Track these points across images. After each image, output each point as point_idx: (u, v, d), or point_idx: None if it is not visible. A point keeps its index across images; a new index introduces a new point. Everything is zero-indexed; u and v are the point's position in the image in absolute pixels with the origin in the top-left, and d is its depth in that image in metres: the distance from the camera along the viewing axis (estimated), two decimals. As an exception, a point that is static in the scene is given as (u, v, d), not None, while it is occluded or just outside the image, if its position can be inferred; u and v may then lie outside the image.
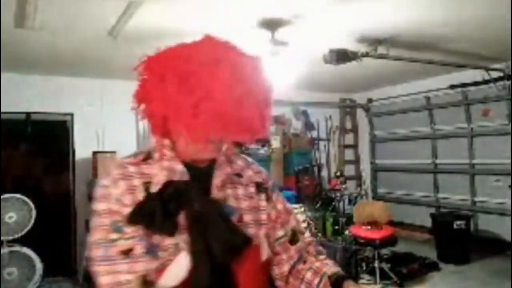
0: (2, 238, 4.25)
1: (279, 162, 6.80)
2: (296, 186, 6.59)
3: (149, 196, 0.97)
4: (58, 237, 5.33)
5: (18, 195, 4.42)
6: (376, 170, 7.71)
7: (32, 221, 4.41)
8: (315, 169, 7.05)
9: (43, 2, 3.05)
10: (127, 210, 0.95)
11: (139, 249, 0.94)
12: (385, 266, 4.74)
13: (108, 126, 5.72)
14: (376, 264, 4.60)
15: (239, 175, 1.11)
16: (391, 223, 5.28)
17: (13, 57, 4.54)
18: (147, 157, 1.04)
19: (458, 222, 5.33)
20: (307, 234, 1.24)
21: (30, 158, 5.43)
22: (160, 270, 0.94)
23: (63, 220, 5.48)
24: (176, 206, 0.96)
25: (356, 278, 4.57)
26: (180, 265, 0.94)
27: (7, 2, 3.05)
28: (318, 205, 6.30)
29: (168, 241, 0.95)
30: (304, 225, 4.76)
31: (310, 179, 6.78)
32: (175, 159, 1.02)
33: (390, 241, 4.77)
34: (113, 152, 5.47)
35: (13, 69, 5.15)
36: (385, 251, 5.06)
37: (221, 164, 1.07)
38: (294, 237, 1.17)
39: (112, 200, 0.97)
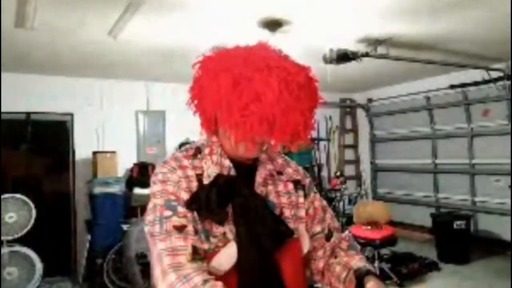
0: (2, 238, 4.25)
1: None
2: (296, 186, 6.59)
3: (204, 186, 1.05)
4: (58, 237, 5.33)
5: (18, 195, 4.42)
6: (376, 170, 7.71)
7: (32, 221, 4.41)
8: (315, 169, 7.04)
9: (43, 2, 3.06)
10: (184, 194, 1.04)
11: (191, 227, 1.01)
12: (385, 266, 4.74)
13: (108, 126, 5.72)
14: (376, 264, 4.60)
15: (279, 173, 1.19)
16: (391, 223, 5.28)
17: (13, 57, 4.54)
18: (196, 152, 1.12)
19: (458, 222, 5.33)
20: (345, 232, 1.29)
21: (30, 158, 5.42)
22: (212, 254, 1.01)
23: (63, 220, 5.48)
24: (227, 197, 1.05)
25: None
26: (230, 252, 1.02)
27: (7, 2, 3.06)
28: (318, 205, 6.29)
29: (217, 229, 1.03)
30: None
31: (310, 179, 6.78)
32: (223, 155, 1.10)
33: (390, 241, 4.77)
34: (113, 152, 5.48)
35: (13, 69, 5.14)
36: (385, 251, 5.06)
37: (263, 162, 1.16)
38: (329, 235, 1.23)
39: (169, 183, 1.05)
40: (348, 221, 5.82)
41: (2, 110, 5.09)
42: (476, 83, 5.74)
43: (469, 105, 6.05)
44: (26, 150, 5.41)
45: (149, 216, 1.05)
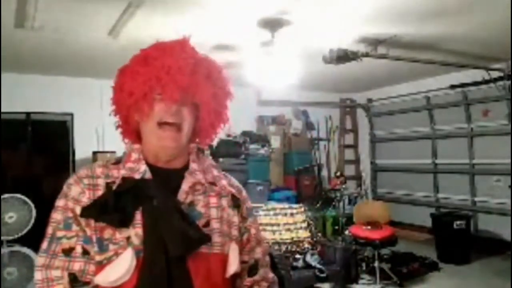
0: (2, 238, 4.25)
1: (279, 162, 6.80)
2: (296, 186, 6.59)
3: (106, 192, 1.00)
4: (58, 237, 5.33)
5: (18, 195, 4.42)
6: (376, 170, 7.71)
7: (32, 221, 4.40)
8: (315, 169, 7.04)
9: (43, 2, 3.06)
10: (80, 208, 0.98)
11: (79, 249, 0.97)
12: (385, 266, 4.74)
13: (108, 126, 5.69)
14: (376, 264, 4.60)
15: (212, 184, 1.10)
16: (391, 223, 5.28)
17: (13, 57, 4.54)
18: (117, 161, 1.09)
19: (458, 222, 5.33)
20: (264, 272, 1.19)
21: (30, 158, 5.42)
22: (103, 265, 0.95)
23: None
24: (132, 201, 0.98)
25: (356, 278, 4.58)
26: (121, 262, 0.94)
27: (7, 2, 3.06)
28: (318, 205, 6.30)
29: (120, 235, 0.96)
30: (304, 225, 4.76)
31: (310, 179, 6.78)
32: (140, 161, 1.05)
33: (390, 241, 4.77)
34: (113, 152, 5.47)
35: (13, 69, 5.15)
36: (385, 251, 5.06)
37: (193, 171, 1.07)
38: (253, 269, 1.15)
39: (70, 197, 1.01)
40: (348, 221, 5.82)
41: (2, 110, 5.09)
42: (476, 83, 5.74)
43: (469, 105, 6.05)
44: (26, 150, 5.41)
45: (46, 230, 1.02)
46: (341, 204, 6.18)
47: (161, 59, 1.04)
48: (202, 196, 1.06)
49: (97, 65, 4.98)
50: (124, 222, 0.96)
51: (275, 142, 6.82)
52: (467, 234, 5.40)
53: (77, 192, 1.01)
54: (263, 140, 6.51)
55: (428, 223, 5.98)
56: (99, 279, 0.95)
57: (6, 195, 4.34)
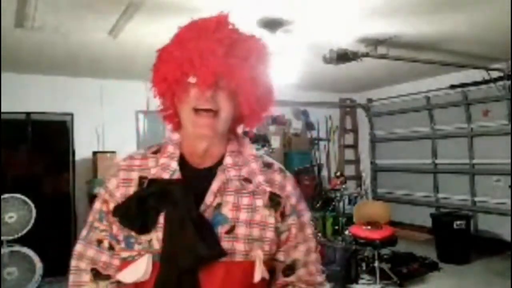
0: (2, 238, 4.25)
1: (279, 162, 6.78)
2: (296, 186, 6.58)
3: (136, 192, 0.99)
4: (58, 237, 5.32)
5: (18, 195, 4.42)
6: (376, 170, 7.71)
7: (32, 221, 4.41)
8: (315, 169, 7.04)
9: (43, 2, 3.06)
10: (113, 204, 0.99)
11: (106, 243, 1.01)
12: (385, 266, 4.74)
13: (108, 126, 5.72)
14: (376, 264, 4.60)
15: (247, 180, 1.01)
16: (391, 223, 5.28)
17: (13, 57, 4.54)
18: (157, 150, 1.05)
19: (458, 222, 5.33)
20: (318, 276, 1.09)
21: (30, 158, 5.42)
22: (125, 263, 0.97)
23: (63, 220, 5.47)
24: (156, 204, 0.95)
25: (356, 278, 4.58)
26: (138, 265, 0.95)
27: (7, 2, 3.06)
28: (318, 205, 6.30)
29: (144, 237, 0.95)
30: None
31: (310, 179, 6.78)
32: (173, 156, 1.01)
33: (390, 241, 4.77)
34: (113, 152, 5.48)
35: (13, 69, 5.15)
36: (385, 251, 5.06)
37: (226, 167, 1.00)
38: (289, 269, 1.06)
39: (108, 189, 1.02)
40: (348, 221, 5.82)
41: (2, 110, 5.09)
42: (476, 83, 5.74)
43: (469, 105, 6.05)
44: (26, 150, 5.41)
45: (89, 217, 1.06)
46: (341, 204, 6.18)
47: (195, 40, 0.97)
48: (233, 195, 0.98)
49: (97, 65, 4.98)
50: (146, 227, 0.95)
51: (275, 142, 6.82)
52: (467, 234, 5.40)
53: (113, 186, 1.02)
54: (263, 140, 6.50)
55: (428, 223, 5.98)
56: (120, 276, 0.97)
57: (6, 195, 4.34)
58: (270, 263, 1.03)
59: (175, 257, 0.92)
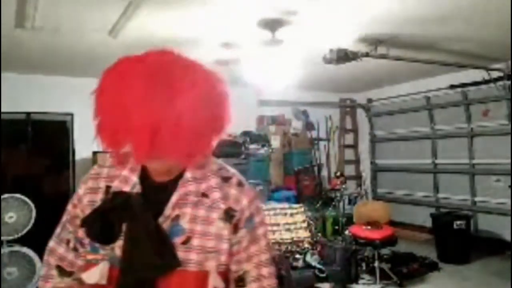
0: (2, 238, 4.25)
1: (279, 162, 6.80)
2: (296, 186, 6.59)
3: (99, 205, 1.04)
4: (58, 237, 5.33)
5: (18, 195, 4.42)
6: (376, 170, 7.71)
7: (32, 221, 4.40)
8: (315, 169, 7.05)
9: (43, 2, 3.05)
10: (87, 208, 1.06)
11: (71, 244, 1.10)
12: (385, 266, 4.74)
13: (108, 126, 5.71)
14: (376, 264, 4.60)
15: (205, 195, 1.04)
16: (391, 223, 5.28)
17: (13, 57, 4.54)
18: (124, 159, 1.08)
19: (458, 222, 5.33)
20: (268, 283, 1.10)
21: (30, 158, 5.42)
22: (90, 265, 1.04)
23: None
24: (118, 217, 1.00)
25: (356, 278, 4.58)
26: (98, 270, 1.02)
27: (7, 2, 3.06)
28: (318, 205, 6.30)
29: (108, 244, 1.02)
30: (304, 225, 4.76)
31: (310, 179, 6.78)
32: (134, 169, 1.06)
33: (390, 241, 4.77)
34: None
35: (13, 69, 5.15)
36: (385, 251, 5.06)
37: (187, 181, 1.03)
38: (240, 280, 1.08)
39: (77, 195, 1.11)
40: (348, 221, 5.82)
41: (2, 110, 5.08)
42: (476, 83, 5.74)
43: (469, 105, 6.05)
44: (26, 150, 5.41)
45: (64, 216, 1.15)
46: (341, 204, 6.19)
47: (121, 110, 0.91)
48: (191, 208, 1.02)
49: (97, 65, 4.95)
50: (110, 238, 1.01)
51: (275, 142, 6.81)
52: (467, 234, 5.40)
53: (82, 192, 1.10)
54: (263, 140, 6.50)
55: (428, 223, 5.99)
56: (83, 276, 1.04)
57: (6, 195, 4.34)
58: (227, 274, 1.07)
59: (133, 267, 0.98)
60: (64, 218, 1.13)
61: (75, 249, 1.10)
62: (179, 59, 0.97)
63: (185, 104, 0.89)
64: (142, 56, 0.98)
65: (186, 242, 1.00)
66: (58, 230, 1.14)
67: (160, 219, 1.00)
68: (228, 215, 1.05)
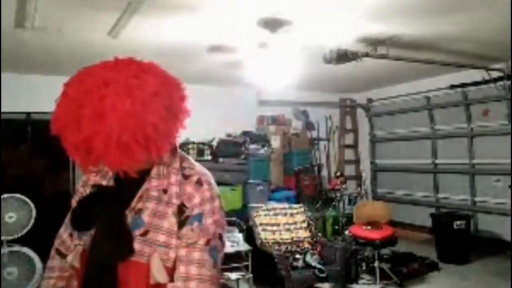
0: (2, 238, 4.24)
1: (279, 162, 6.80)
2: (296, 186, 6.59)
3: (81, 197, 1.22)
4: (58, 237, 5.33)
5: (18, 195, 4.41)
6: (376, 170, 7.70)
7: (32, 221, 4.40)
8: (315, 169, 7.04)
9: (43, 2, 3.06)
10: (75, 200, 1.24)
11: (69, 230, 1.23)
12: (385, 266, 4.74)
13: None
14: (376, 264, 4.60)
15: (165, 191, 1.11)
16: (391, 223, 5.28)
17: (13, 57, 4.54)
18: None
19: (458, 222, 5.33)
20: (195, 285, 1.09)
21: (30, 158, 5.42)
22: (75, 248, 1.17)
23: (63, 220, 5.47)
24: (95, 207, 1.13)
25: (356, 278, 4.58)
26: (73, 254, 1.17)
27: (7, 2, 3.06)
28: (318, 205, 6.30)
29: (88, 232, 1.14)
30: (304, 225, 4.76)
31: (310, 179, 6.78)
32: None
33: (390, 241, 4.77)
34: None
35: (13, 69, 5.15)
36: (385, 251, 5.06)
37: (152, 177, 1.12)
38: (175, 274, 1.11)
39: (76, 188, 1.29)
40: (348, 221, 5.82)
41: (2, 110, 5.08)
42: (476, 83, 5.74)
43: (469, 105, 6.05)
44: (26, 150, 5.41)
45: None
46: (341, 204, 6.18)
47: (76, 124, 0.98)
48: (153, 203, 1.10)
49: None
50: (84, 225, 1.14)
51: (275, 142, 6.81)
52: (467, 234, 5.40)
53: (79, 186, 1.28)
54: (263, 140, 6.50)
55: (428, 223, 5.98)
56: (68, 258, 1.19)
57: (6, 195, 4.34)
58: (174, 270, 1.10)
59: (95, 253, 1.09)
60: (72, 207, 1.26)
61: (71, 235, 1.22)
62: (118, 75, 1.02)
63: (113, 120, 0.95)
64: (91, 69, 1.09)
65: (143, 234, 1.08)
66: (67, 218, 1.26)
67: (127, 211, 1.10)
68: (180, 210, 1.10)
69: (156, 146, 1.02)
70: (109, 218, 1.10)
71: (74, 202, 1.23)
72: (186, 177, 1.14)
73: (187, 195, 1.11)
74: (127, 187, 1.11)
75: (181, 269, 1.08)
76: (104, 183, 1.18)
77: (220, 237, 1.15)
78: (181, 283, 1.06)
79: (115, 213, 1.10)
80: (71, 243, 1.20)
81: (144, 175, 1.12)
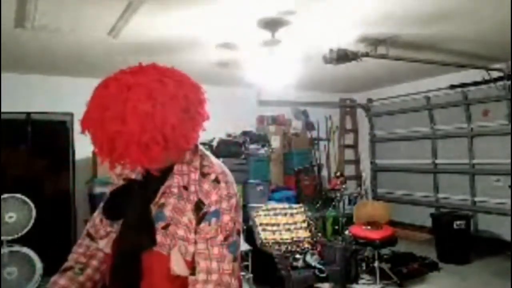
0: (2, 238, 4.24)
1: (279, 162, 6.80)
2: (296, 186, 6.59)
3: (112, 190, 1.31)
4: (58, 237, 5.33)
5: (18, 195, 4.41)
6: (376, 170, 7.71)
7: (32, 221, 4.40)
8: (315, 169, 7.04)
9: (43, 2, 3.06)
10: (110, 189, 1.32)
11: (99, 217, 1.31)
12: (385, 266, 4.74)
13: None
14: (376, 264, 4.61)
15: (185, 188, 1.18)
16: (391, 223, 5.28)
17: (13, 57, 4.54)
18: None
19: (458, 222, 5.33)
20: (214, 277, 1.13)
21: (30, 158, 5.42)
22: (106, 235, 1.25)
23: (63, 220, 5.48)
24: (125, 199, 1.23)
25: (356, 278, 4.58)
26: (106, 240, 1.25)
27: (7, 2, 3.06)
28: (318, 205, 6.30)
29: (118, 221, 1.23)
30: (304, 225, 4.76)
31: (310, 179, 6.78)
32: None
33: (390, 241, 4.77)
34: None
35: (13, 69, 5.15)
36: (385, 251, 5.06)
37: (174, 174, 1.19)
38: (194, 269, 1.15)
39: (113, 178, 1.34)
40: (348, 221, 5.82)
41: (2, 110, 5.09)
42: (476, 83, 5.74)
43: (469, 105, 6.05)
44: (26, 150, 5.41)
45: None
46: (341, 204, 6.18)
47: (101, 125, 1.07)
48: (174, 198, 1.17)
49: (97, 65, 4.97)
50: (118, 215, 1.23)
51: (275, 142, 6.81)
52: (467, 234, 5.40)
53: (113, 177, 1.32)
54: (263, 140, 6.50)
55: (428, 223, 5.99)
56: (99, 243, 1.27)
57: (6, 195, 4.33)
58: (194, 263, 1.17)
59: (122, 242, 1.20)
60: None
61: (101, 220, 1.28)
62: (140, 80, 1.08)
63: (134, 122, 1.01)
64: (117, 75, 1.13)
65: (165, 227, 1.15)
66: (101, 203, 1.34)
67: (152, 205, 1.17)
68: (198, 207, 1.16)
69: (175, 146, 1.08)
70: (135, 211, 1.19)
71: (108, 191, 1.33)
72: (204, 175, 1.19)
73: (205, 192, 1.17)
74: (153, 182, 1.19)
75: (202, 263, 1.13)
76: (133, 176, 1.26)
77: (238, 233, 1.20)
78: (202, 276, 1.12)
79: (141, 206, 1.18)
80: (101, 227, 1.28)
81: (168, 171, 1.19)
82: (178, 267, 1.13)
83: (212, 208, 1.15)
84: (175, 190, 1.17)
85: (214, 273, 1.12)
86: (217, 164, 1.24)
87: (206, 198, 1.16)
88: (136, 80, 1.06)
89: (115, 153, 1.04)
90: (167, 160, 1.16)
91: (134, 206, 1.20)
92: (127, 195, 1.23)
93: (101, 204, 1.32)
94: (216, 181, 1.18)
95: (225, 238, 1.15)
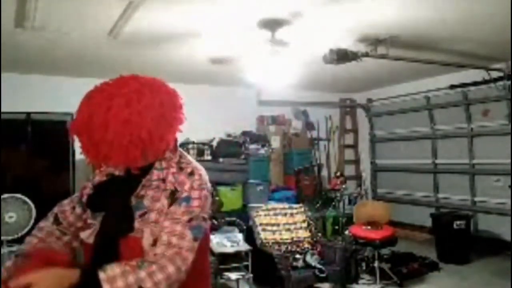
0: (2, 238, 4.24)
1: (279, 162, 6.80)
2: (296, 186, 6.59)
3: (95, 184, 1.45)
4: (58, 237, 5.33)
5: (18, 195, 4.41)
6: (376, 170, 7.71)
7: (32, 221, 4.39)
8: (315, 169, 7.04)
9: (43, 2, 3.06)
10: (91, 183, 1.47)
11: (73, 204, 1.49)
12: (385, 266, 4.74)
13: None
14: (376, 264, 4.60)
15: (163, 180, 1.31)
16: (391, 223, 5.28)
17: (13, 57, 4.54)
18: None
19: (458, 222, 5.33)
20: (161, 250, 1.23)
21: (30, 158, 5.42)
22: (88, 226, 1.37)
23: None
24: (107, 192, 1.38)
25: (356, 278, 4.58)
26: (88, 232, 1.35)
27: (7, 2, 3.06)
28: (318, 205, 6.30)
29: (100, 213, 1.36)
30: (304, 225, 4.76)
31: (310, 179, 6.78)
32: None
33: (390, 241, 4.77)
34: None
35: (13, 69, 5.15)
36: (385, 251, 5.06)
37: (155, 168, 1.33)
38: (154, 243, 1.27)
39: (95, 172, 1.50)
40: (348, 221, 5.82)
41: (2, 110, 5.08)
42: (476, 83, 5.74)
43: (469, 105, 6.05)
44: (26, 150, 5.41)
45: None
46: (341, 204, 6.18)
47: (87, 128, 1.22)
48: (153, 190, 1.30)
49: (97, 65, 4.98)
50: (101, 207, 1.35)
51: (275, 142, 6.82)
52: (467, 234, 5.40)
53: (96, 172, 1.47)
54: (263, 140, 6.50)
55: (428, 223, 5.98)
56: (81, 234, 1.37)
57: (6, 195, 4.33)
58: None
59: (103, 229, 1.32)
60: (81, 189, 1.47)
61: (73, 208, 1.45)
62: (120, 91, 1.24)
63: (115, 128, 1.19)
64: (101, 87, 1.28)
65: (142, 215, 1.27)
66: (74, 195, 1.51)
67: (133, 196, 1.30)
68: (172, 194, 1.29)
69: (152, 147, 1.26)
70: (117, 202, 1.32)
71: (85, 185, 1.48)
72: (181, 169, 1.34)
73: (180, 182, 1.31)
74: (134, 177, 1.32)
75: (164, 237, 1.23)
76: (116, 173, 1.40)
77: (205, 221, 1.31)
78: (162, 248, 1.21)
79: (122, 198, 1.31)
80: (76, 219, 1.43)
81: (150, 167, 1.33)
82: (149, 247, 1.24)
83: (184, 194, 1.28)
84: (155, 183, 1.31)
85: (173, 247, 1.21)
86: (194, 162, 1.39)
87: (180, 186, 1.30)
88: (117, 91, 1.23)
89: (100, 156, 1.22)
90: (146, 160, 1.30)
91: (116, 198, 1.33)
92: (110, 189, 1.38)
93: (76, 194, 1.49)
94: (192, 173, 1.32)
95: (189, 220, 1.26)
